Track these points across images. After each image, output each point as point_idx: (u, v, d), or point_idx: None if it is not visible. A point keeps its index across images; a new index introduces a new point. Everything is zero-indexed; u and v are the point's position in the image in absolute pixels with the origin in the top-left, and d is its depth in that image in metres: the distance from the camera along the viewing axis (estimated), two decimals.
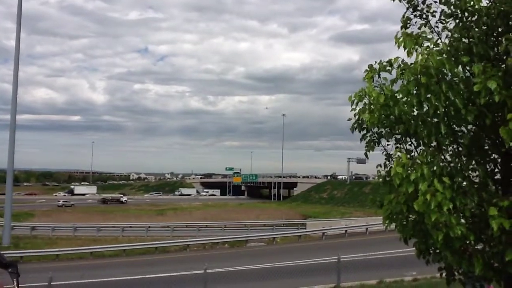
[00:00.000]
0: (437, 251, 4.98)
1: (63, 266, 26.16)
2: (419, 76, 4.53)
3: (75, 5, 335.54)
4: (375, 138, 5.33)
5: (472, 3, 4.83)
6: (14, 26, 39.72)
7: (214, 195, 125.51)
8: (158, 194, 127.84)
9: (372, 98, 4.98)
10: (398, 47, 4.89)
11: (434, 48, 4.82)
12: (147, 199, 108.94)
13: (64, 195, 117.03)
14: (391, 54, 5.11)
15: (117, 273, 22.36)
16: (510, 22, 4.80)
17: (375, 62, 5.23)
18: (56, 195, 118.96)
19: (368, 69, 5.21)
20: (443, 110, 4.54)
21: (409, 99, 4.70)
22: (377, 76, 5.18)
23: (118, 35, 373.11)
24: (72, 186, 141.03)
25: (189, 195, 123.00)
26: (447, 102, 4.53)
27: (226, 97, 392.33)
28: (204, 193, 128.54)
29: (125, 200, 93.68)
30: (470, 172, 4.95)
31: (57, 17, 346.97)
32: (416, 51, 4.80)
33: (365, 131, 5.31)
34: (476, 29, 4.87)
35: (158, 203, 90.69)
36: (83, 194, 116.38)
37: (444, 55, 4.72)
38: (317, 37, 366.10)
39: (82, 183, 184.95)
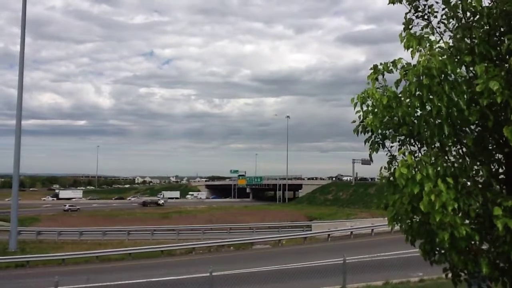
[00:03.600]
0: (443, 251, 4.98)
1: (69, 270, 26.25)
2: (421, 77, 4.53)
3: (80, 10, 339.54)
4: (379, 139, 5.32)
5: (473, 3, 4.83)
6: (20, 31, 39.95)
7: (196, 197, 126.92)
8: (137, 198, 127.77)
9: (375, 100, 4.98)
10: (405, 46, 4.90)
11: (436, 49, 4.82)
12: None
13: (53, 199, 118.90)
14: (397, 54, 5.12)
15: (123, 276, 22.38)
16: None
17: (380, 63, 5.23)
18: (44, 199, 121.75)
19: (372, 70, 5.21)
20: (446, 111, 4.54)
21: (411, 101, 4.70)
22: (381, 77, 5.17)
23: (124, 39, 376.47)
24: (57, 191, 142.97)
25: (172, 198, 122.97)
26: (449, 103, 4.53)
27: (231, 99, 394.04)
28: (188, 196, 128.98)
29: (162, 203, 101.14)
30: (474, 172, 4.94)
31: (63, 21, 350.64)
32: (419, 51, 4.80)
33: (369, 133, 5.30)
34: (478, 29, 4.88)
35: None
36: (69, 199, 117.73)
37: (445, 55, 4.72)
38: (322, 38, 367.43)
39: (88, 187, 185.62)
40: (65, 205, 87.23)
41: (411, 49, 4.86)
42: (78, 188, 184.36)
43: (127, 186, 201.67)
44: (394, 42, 4.97)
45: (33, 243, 40.73)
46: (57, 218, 66.56)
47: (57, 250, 35.70)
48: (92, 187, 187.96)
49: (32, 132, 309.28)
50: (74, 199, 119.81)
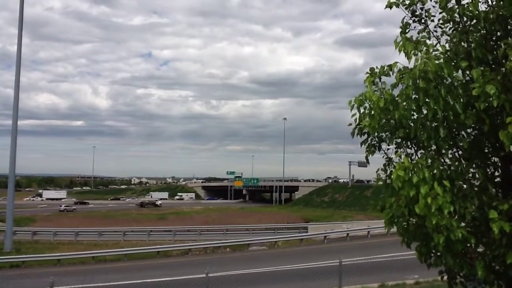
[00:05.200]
0: (439, 254, 5.00)
1: (64, 271, 26.13)
2: (417, 80, 4.56)
3: (79, 11, 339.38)
4: (375, 142, 5.34)
5: (470, 8, 4.86)
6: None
7: (182, 198, 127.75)
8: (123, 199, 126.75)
9: (372, 102, 5.00)
10: (399, 51, 4.92)
11: (433, 53, 4.84)
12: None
13: (42, 199, 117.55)
14: (395, 58, 5.13)
15: (119, 277, 22.34)
16: (509, 27, 4.83)
17: (376, 66, 5.25)
18: (33, 199, 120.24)
19: (369, 73, 5.23)
20: (442, 114, 4.57)
21: (408, 104, 4.73)
22: (378, 80, 5.20)
23: (122, 40, 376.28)
24: (40, 191, 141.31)
25: (161, 199, 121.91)
26: (446, 107, 4.56)
27: (229, 101, 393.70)
28: (177, 197, 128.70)
29: (160, 204, 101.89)
30: (470, 175, 4.97)
31: (61, 22, 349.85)
32: (415, 55, 4.83)
33: (365, 136, 5.32)
34: (475, 34, 4.91)
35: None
36: (53, 199, 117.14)
37: (442, 60, 4.75)
38: (321, 41, 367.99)
39: (85, 188, 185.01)
40: (61, 206, 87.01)
41: (407, 54, 4.89)
42: (74, 188, 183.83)
43: (123, 187, 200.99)
44: (392, 45, 4.99)
45: (29, 244, 40.56)
46: (53, 218, 66.23)
47: (52, 250, 35.54)
48: (88, 188, 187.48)
49: (29, 132, 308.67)
50: (63, 199, 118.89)
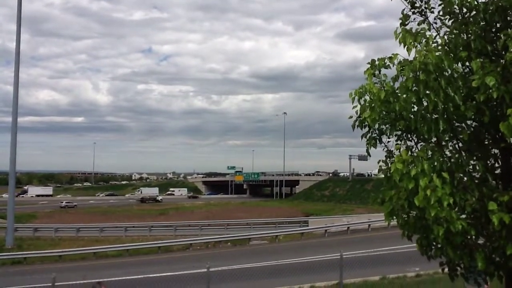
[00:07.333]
0: (439, 246, 5.00)
1: (66, 267, 26.20)
2: (418, 72, 4.55)
3: (79, 6, 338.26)
4: (376, 135, 5.33)
5: None
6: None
7: (173, 194, 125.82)
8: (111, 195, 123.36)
9: (372, 95, 4.99)
10: (399, 43, 4.91)
11: (433, 45, 4.83)
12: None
13: (32, 196, 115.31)
14: (396, 51, 5.12)
15: (120, 273, 22.41)
16: (508, 18, 4.82)
17: (377, 59, 5.23)
18: (22, 196, 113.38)
19: (370, 65, 5.21)
20: (442, 106, 4.56)
21: (408, 96, 4.72)
22: (378, 72, 5.18)
23: (122, 35, 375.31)
24: (25, 187, 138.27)
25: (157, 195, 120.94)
26: (446, 98, 4.55)
27: (229, 96, 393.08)
28: (168, 193, 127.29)
29: (161, 199, 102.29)
30: (470, 167, 4.96)
31: (61, 18, 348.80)
32: (415, 47, 4.81)
33: (366, 128, 5.30)
34: (474, 25, 4.89)
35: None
36: (39, 196, 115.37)
37: (442, 51, 4.73)
38: (322, 34, 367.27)
39: (85, 183, 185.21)
40: (62, 202, 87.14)
41: (406, 46, 4.87)
42: (75, 184, 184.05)
43: (124, 182, 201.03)
44: (393, 38, 4.98)
45: (30, 240, 40.64)
46: (54, 215, 66.39)
47: (54, 246, 35.63)
48: (89, 184, 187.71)
49: (29, 129, 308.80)
50: (58, 196, 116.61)
